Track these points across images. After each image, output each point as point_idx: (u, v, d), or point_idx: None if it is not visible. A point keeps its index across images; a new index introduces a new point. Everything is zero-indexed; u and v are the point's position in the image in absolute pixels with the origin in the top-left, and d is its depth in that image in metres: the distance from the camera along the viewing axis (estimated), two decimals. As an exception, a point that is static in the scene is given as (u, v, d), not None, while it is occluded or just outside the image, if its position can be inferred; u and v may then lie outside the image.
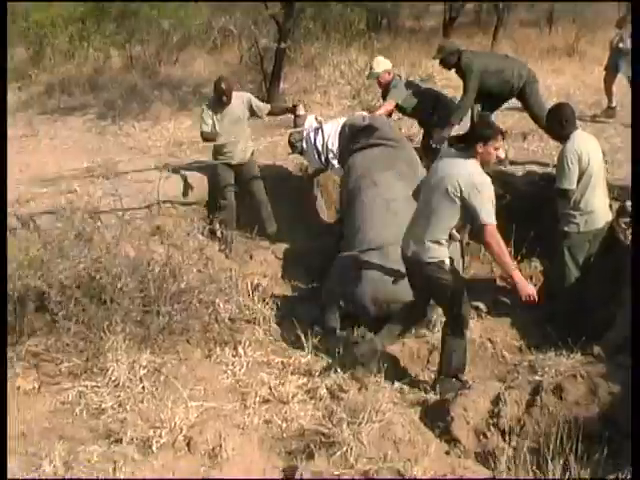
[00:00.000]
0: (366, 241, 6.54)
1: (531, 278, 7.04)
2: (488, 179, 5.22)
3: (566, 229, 6.19)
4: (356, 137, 7.56)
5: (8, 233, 6.35)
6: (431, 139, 8.22)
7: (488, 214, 5.11)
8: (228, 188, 8.06)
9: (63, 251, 5.96)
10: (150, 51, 14.76)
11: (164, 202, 7.86)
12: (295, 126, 8.30)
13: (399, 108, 8.35)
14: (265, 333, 6.33)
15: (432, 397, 5.48)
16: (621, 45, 9.84)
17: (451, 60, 8.37)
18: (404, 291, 5.94)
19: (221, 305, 6.31)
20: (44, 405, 5.18)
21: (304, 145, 8.14)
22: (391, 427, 4.66)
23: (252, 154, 8.39)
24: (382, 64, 8.33)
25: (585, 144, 6.12)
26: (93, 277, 5.85)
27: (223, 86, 7.92)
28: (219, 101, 8.00)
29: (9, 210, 7.03)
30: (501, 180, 7.71)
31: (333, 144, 7.91)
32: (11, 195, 7.76)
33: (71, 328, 5.62)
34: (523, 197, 7.68)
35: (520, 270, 7.04)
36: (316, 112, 11.01)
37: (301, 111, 8.18)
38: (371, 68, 8.48)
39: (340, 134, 7.79)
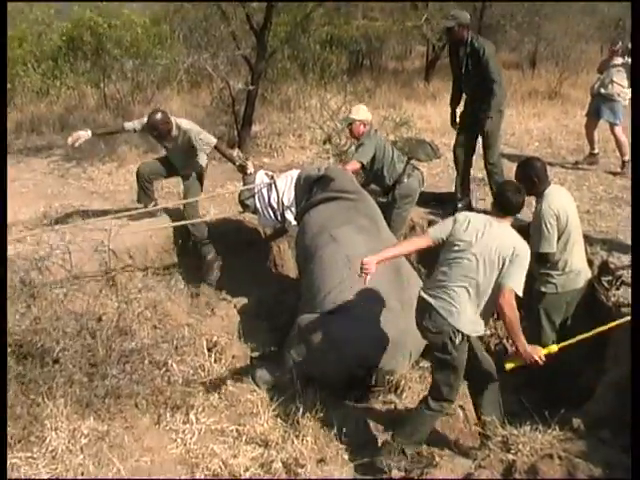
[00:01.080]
0: (328, 301, 6.13)
1: (507, 339, 6.68)
2: None
3: (543, 290, 5.86)
4: (312, 189, 7.21)
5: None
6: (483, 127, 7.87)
7: (519, 283, 4.91)
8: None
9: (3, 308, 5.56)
10: (124, 90, 14.53)
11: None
12: (245, 184, 7.80)
13: (363, 168, 7.74)
14: (220, 397, 5.90)
15: (396, 473, 5.05)
16: (602, 91, 9.64)
17: (462, 34, 7.80)
18: (373, 355, 5.67)
19: (174, 366, 5.95)
20: (-28, 478, 4.75)
21: (257, 203, 7.62)
22: (347, 515, 4.26)
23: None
24: (361, 113, 7.71)
25: (560, 201, 5.80)
26: (34, 332, 5.49)
27: (151, 121, 7.69)
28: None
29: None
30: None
31: (289, 199, 7.44)
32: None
33: (9, 392, 5.20)
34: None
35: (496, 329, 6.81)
36: (289, 157, 10.78)
37: (250, 169, 7.78)
38: (350, 112, 7.92)
39: (295, 187, 7.40)
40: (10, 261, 6.48)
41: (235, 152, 8.49)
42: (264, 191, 7.54)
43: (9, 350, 5.34)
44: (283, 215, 7.48)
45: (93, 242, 7.22)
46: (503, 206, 5.13)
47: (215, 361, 6.22)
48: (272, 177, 7.60)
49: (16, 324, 5.56)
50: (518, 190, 5.17)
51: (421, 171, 7.98)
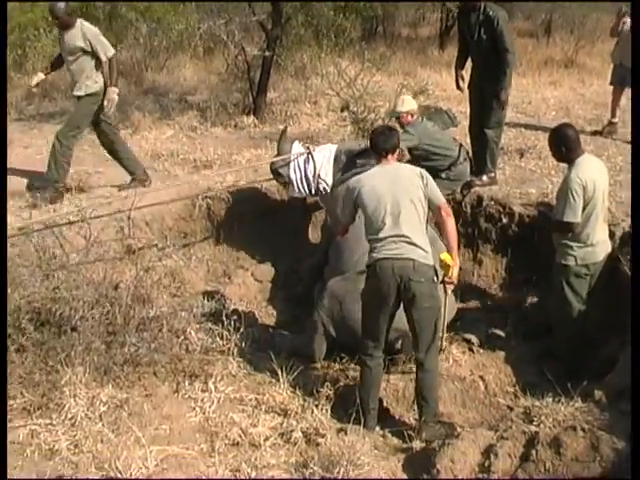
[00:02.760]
0: (360, 263, 6.04)
1: (527, 309, 6.64)
2: None
3: (563, 262, 5.76)
4: (353, 163, 7.17)
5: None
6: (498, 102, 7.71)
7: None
8: None
9: (21, 276, 5.53)
10: (137, 56, 14.43)
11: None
12: (279, 153, 7.66)
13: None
14: (239, 366, 5.89)
15: (417, 444, 5.04)
16: (624, 61, 9.49)
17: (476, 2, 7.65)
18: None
19: (193, 334, 5.91)
20: (-8, 444, 4.75)
21: (291, 174, 7.48)
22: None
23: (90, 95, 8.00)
24: (406, 104, 7.68)
25: (590, 171, 5.67)
26: (52, 300, 5.45)
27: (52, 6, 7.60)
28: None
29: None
30: (496, 202, 7.38)
31: (326, 174, 7.37)
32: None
33: (26, 359, 5.20)
34: (519, 221, 7.25)
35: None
36: (305, 124, 10.69)
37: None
38: (395, 106, 7.84)
39: (335, 159, 7.36)
40: (28, 229, 6.47)
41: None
42: (301, 162, 7.44)
43: (27, 317, 5.32)
44: (317, 187, 7.39)
45: (111, 210, 7.18)
46: (380, 151, 5.44)
47: (233, 329, 6.15)
48: (309, 149, 7.50)
49: (35, 292, 5.52)
50: (384, 132, 5.55)
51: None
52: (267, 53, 10.86)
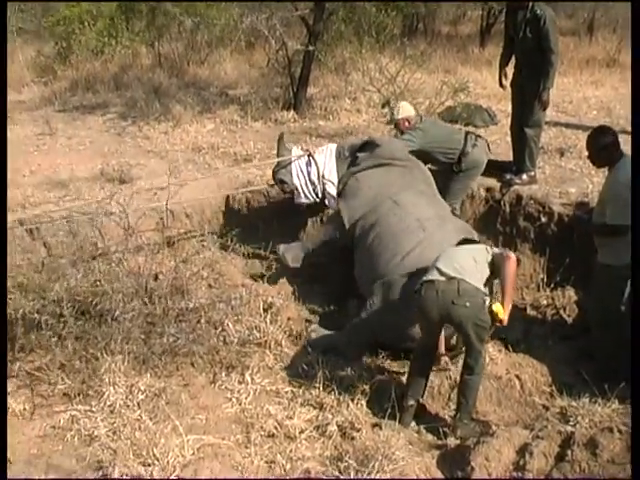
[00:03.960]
0: (408, 264, 6.12)
1: (564, 309, 6.60)
2: None
3: (608, 263, 5.65)
4: (357, 158, 7.19)
5: (11, 240, 6.05)
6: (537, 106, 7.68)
7: None
8: None
9: (63, 265, 5.63)
10: (179, 50, 14.55)
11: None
12: (278, 157, 7.56)
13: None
14: (275, 359, 5.95)
15: (452, 441, 5.05)
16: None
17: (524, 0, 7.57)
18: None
19: (230, 326, 5.99)
20: (34, 429, 4.90)
21: (295, 180, 7.38)
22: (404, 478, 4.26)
23: None
24: (403, 111, 7.63)
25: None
26: (93, 293, 5.54)
27: None
28: None
29: (14, 216, 6.77)
30: (535, 201, 7.34)
31: (330, 172, 7.29)
32: (18, 197, 7.51)
33: (68, 347, 5.30)
34: (558, 221, 7.20)
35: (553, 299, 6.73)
36: (345, 120, 10.70)
37: None
38: (392, 113, 7.81)
39: (338, 157, 7.32)
40: (68, 219, 6.56)
41: None
42: (303, 167, 7.35)
43: (69, 308, 5.40)
44: (324, 190, 7.30)
45: (151, 202, 7.26)
46: None
47: (270, 322, 6.21)
48: (308, 152, 7.43)
49: (76, 285, 5.61)
50: None
51: (485, 139, 7.84)
52: (309, 48, 10.85)
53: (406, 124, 7.57)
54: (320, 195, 7.39)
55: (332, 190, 7.30)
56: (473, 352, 5.22)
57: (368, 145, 7.18)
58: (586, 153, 5.96)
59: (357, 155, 7.22)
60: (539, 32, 7.46)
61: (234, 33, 13.36)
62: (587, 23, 18.49)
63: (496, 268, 5.31)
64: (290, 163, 7.39)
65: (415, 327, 5.73)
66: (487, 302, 5.17)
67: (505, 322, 5.27)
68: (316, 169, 7.28)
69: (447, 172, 7.56)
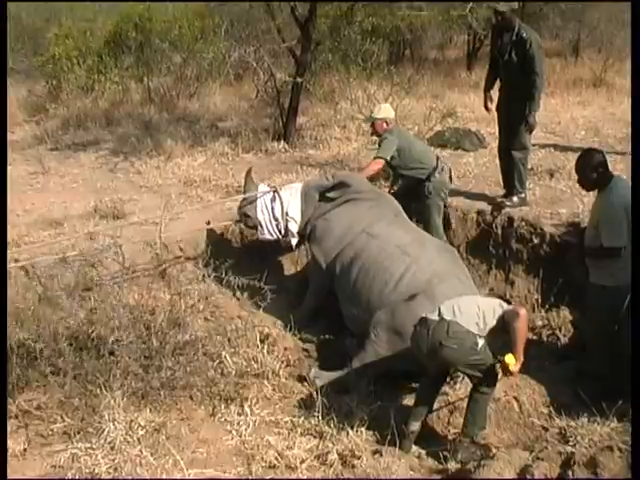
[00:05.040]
0: (402, 289, 6.18)
1: (560, 329, 6.62)
2: None
3: (603, 284, 5.65)
4: (323, 197, 7.23)
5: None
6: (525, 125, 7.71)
7: None
8: None
9: (59, 301, 5.64)
10: (168, 84, 14.65)
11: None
12: (245, 194, 7.58)
13: (388, 164, 7.72)
14: (274, 389, 5.95)
15: (453, 465, 5.04)
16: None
17: (511, 20, 7.61)
18: None
19: (228, 358, 5.99)
20: (33, 469, 4.86)
21: (259, 215, 7.38)
22: (405, 506, 4.26)
23: None
24: (383, 111, 7.72)
25: (625, 191, 5.53)
26: (90, 329, 5.55)
27: None
28: None
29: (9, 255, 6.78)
30: (527, 223, 7.38)
31: (295, 211, 7.29)
32: (13, 236, 7.52)
33: (66, 384, 5.30)
34: (550, 241, 7.25)
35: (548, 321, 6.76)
36: (335, 148, 10.77)
37: None
38: (371, 112, 7.93)
39: (304, 196, 7.32)
40: (64, 256, 6.58)
41: None
42: (268, 202, 7.37)
43: (66, 343, 5.41)
44: (286, 227, 7.32)
45: (144, 235, 7.29)
46: None
47: (268, 353, 6.22)
48: (275, 189, 7.46)
49: (72, 318, 5.61)
50: None
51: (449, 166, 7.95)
52: (297, 79, 10.94)
53: (384, 125, 7.63)
54: (283, 232, 7.39)
55: (294, 228, 7.32)
56: (474, 379, 5.28)
57: (335, 184, 7.19)
58: (575, 174, 5.98)
59: (323, 195, 7.23)
60: (525, 55, 7.53)
61: (222, 66, 13.43)
62: (572, 44, 18.66)
63: (506, 323, 5.27)
64: (256, 199, 7.41)
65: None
66: (480, 345, 5.18)
67: (516, 375, 5.34)
68: (280, 205, 7.29)
69: (415, 196, 7.63)
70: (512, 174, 7.98)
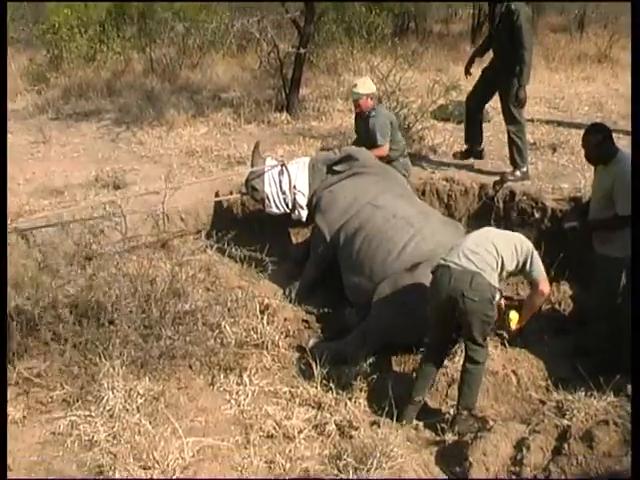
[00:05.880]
0: (406, 258, 6.19)
1: (560, 304, 6.63)
2: None
3: (617, 255, 5.62)
4: (329, 171, 7.25)
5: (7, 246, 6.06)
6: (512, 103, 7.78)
7: None
8: None
9: (59, 268, 5.64)
10: (171, 55, 14.58)
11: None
12: (253, 167, 7.54)
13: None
14: (273, 359, 5.97)
15: (450, 437, 5.07)
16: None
17: None
18: None
19: (227, 328, 6.00)
20: (33, 436, 4.91)
21: (267, 188, 7.36)
22: (402, 474, 4.31)
23: None
24: (367, 86, 7.62)
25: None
26: (90, 297, 5.55)
27: None
28: None
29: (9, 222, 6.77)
30: (528, 197, 7.37)
31: (302, 184, 7.29)
32: (13, 205, 7.52)
33: (65, 352, 5.31)
34: (552, 216, 7.24)
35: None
36: (337, 120, 10.73)
37: None
38: (355, 86, 7.74)
39: (311, 170, 7.32)
40: (65, 224, 6.57)
41: None
42: (275, 176, 7.36)
43: (66, 311, 5.42)
44: (294, 200, 7.31)
45: (146, 205, 7.28)
46: None
47: (267, 323, 6.22)
48: (282, 162, 7.44)
49: (71, 285, 5.62)
50: None
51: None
52: (300, 50, 10.88)
53: (369, 102, 7.57)
54: (290, 205, 7.38)
55: (302, 201, 7.31)
56: (474, 345, 5.23)
57: (342, 158, 7.20)
58: (578, 149, 5.98)
59: (330, 168, 7.25)
60: (512, 27, 7.56)
61: (225, 36, 13.38)
62: (578, 19, 18.52)
63: (528, 296, 5.48)
64: (263, 172, 7.40)
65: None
66: (497, 299, 5.19)
67: (513, 333, 5.49)
68: (288, 179, 7.29)
69: None
70: (511, 149, 8.02)
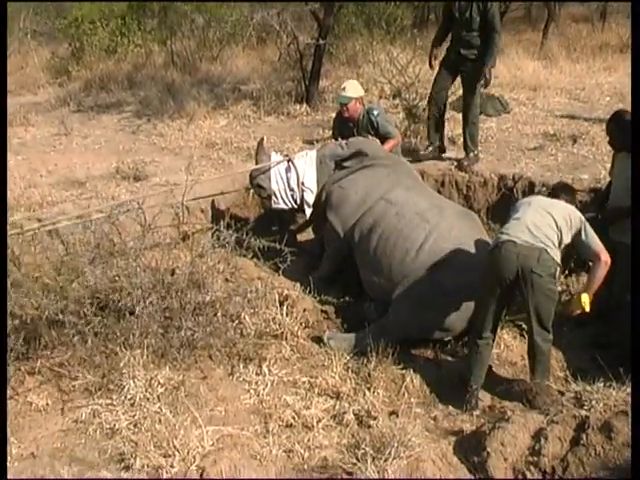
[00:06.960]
0: (425, 256, 6.16)
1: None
2: None
3: (627, 241, 5.54)
4: (338, 164, 7.18)
5: (30, 239, 6.12)
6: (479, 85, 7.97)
7: None
8: None
9: (82, 262, 5.69)
10: (191, 47, 14.63)
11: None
12: (257, 164, 7.43)
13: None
14: (292, 350, 5.98)
15: (467, 427, 5.08)
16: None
17: None
18: None
19: (247, 318, 6.03)
20: (56, 424, 4.97)
21: (274, 186, 7.27)
22: (420, 464, 4.33)
23: None
24: (357, 89, 7.66)
25: None
26: (112, 289, 5.60)
27: None
28: None
29: (31, 213, 6.84)
30: (547, 188, 7.34)
31: (311, 180, 7.18)
32: (36, 197, 7.60)
33: (88, 342, 5.37)
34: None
35: (567, 286, 6.73)
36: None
37: None
38: (343, 89, 7.76)
39: (319, 164, 7.22)
40: (85, 216, 6.64)
41: None
42: (282, 172, 7.26)
43: (88, 302, 5.47)
44: (302, 197, 7.24)
45: (166, 197, 7.33)
46: None
47: (287, 314, 6.24)
48: (288, 157, 7.34)
49: (96, 282, 5.66)
50: None
51: None
52: (320, 42, 10.89)
53: (358, 105, 7.58)
54: (298, 202, 7.31)
55: (310, 198, 7.23)
56: (538, 322, 5.30)
57: (354, 155, 7.12)
58: (598, 140, 5.97)
59: (338, 163, 7.17)
60: (486, 14, 7.74)
61: (245, 29, 13.43)
62: (600, 9, 18.39)
63: (591, 270, 5.44)
64: (269, 169, 7.32)
65: (453, 315, 5.86)
66: (557, 274, 5.30)
67: (587, 311, 5.41)
68: (296, 175, 7.20)
69: None
70: (465, 134, 8.30)
